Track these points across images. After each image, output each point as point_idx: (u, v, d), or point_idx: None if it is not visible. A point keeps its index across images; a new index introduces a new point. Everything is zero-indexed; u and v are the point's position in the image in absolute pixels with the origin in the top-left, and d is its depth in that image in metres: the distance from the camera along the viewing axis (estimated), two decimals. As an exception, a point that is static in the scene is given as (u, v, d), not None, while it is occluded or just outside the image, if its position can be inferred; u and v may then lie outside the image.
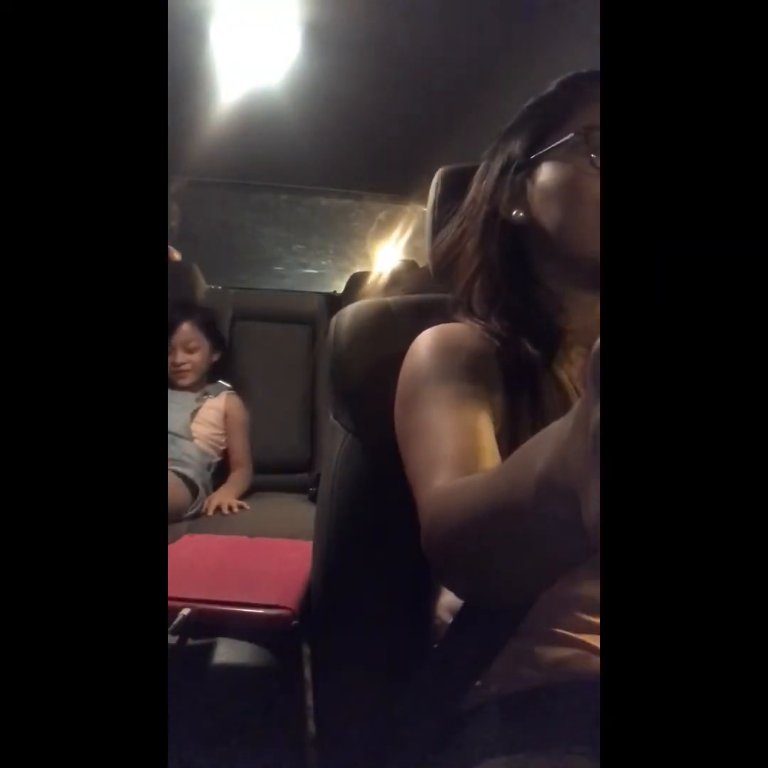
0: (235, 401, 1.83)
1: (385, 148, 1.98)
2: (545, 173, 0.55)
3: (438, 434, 0.48)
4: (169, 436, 1.66)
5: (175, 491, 1.53)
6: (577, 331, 0.56)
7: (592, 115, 0.53)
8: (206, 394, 1.82)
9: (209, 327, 1.85)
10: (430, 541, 0.43)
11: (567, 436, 0.28)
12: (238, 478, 1.73)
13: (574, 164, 0.53)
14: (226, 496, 1.61)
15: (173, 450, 1.64)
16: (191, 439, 1.70)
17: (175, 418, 1.70)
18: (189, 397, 1.78)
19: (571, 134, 0.53)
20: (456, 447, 0.47)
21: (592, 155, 0.51)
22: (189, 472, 1.62)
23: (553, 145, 0.54)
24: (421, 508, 0.45)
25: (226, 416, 1.80)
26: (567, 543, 0.30)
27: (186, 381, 1.79)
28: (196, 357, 1.80)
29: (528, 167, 0.57)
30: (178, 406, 1.74)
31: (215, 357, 1.86)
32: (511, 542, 0.36)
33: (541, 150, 0.55)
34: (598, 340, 0.24)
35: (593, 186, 0.51)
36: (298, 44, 1.48)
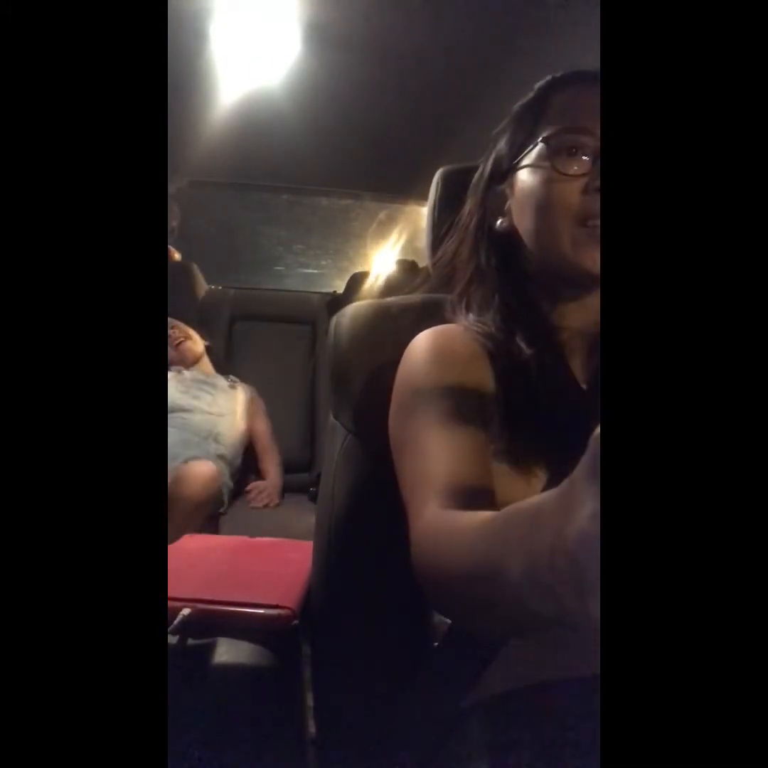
0: (254, 390, 1.91)
1: (385, 148, 1.97)
2: (519, 183, 0.56)
3: (430, 451, 0.49)
4: (213, 418, 1.71)
5: (214, 481, 1.53)
6: (574, 327, 0.56)
7: (558, 119, 0.53)
8: (234, 380, 1.88)
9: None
10: (419, 572, 0.44)
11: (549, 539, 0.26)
12: (279, 470, 1.82)
13: (541, 172, 0.53)
14: (274, 492, 1.70)
15: (222, 430, 1.70)
16: (236, 421, 1.77)
17: (220, 401, 1.77)
18: (220, 380, 1.84)
19: (535, 143, 0.54)
20: (447, 470, 0.47)
21: (555, 162, 0.52)
22: (225, 458, 1.67)
23: (522, 155, 0.55)
24: (413, 535, 0.46)
25: (251, 401, 1.88)
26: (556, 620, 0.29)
27: (189, 350, 1.85)
28: (177, 332, 1.87)
29: (507, 176, 0.58)
30: (214, 387, 1.80)
31: (206, 342, 1.93)
32: (498, 604, 0.35)
33: (516, 159, 0.56)
34: (598, 429, 0.23)
35: (560, 192, 0.52)
36: (298, 44, 1.47)
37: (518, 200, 0.56)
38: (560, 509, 0.26)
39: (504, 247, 0.59)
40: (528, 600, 0.29)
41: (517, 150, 0.56)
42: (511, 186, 0.57)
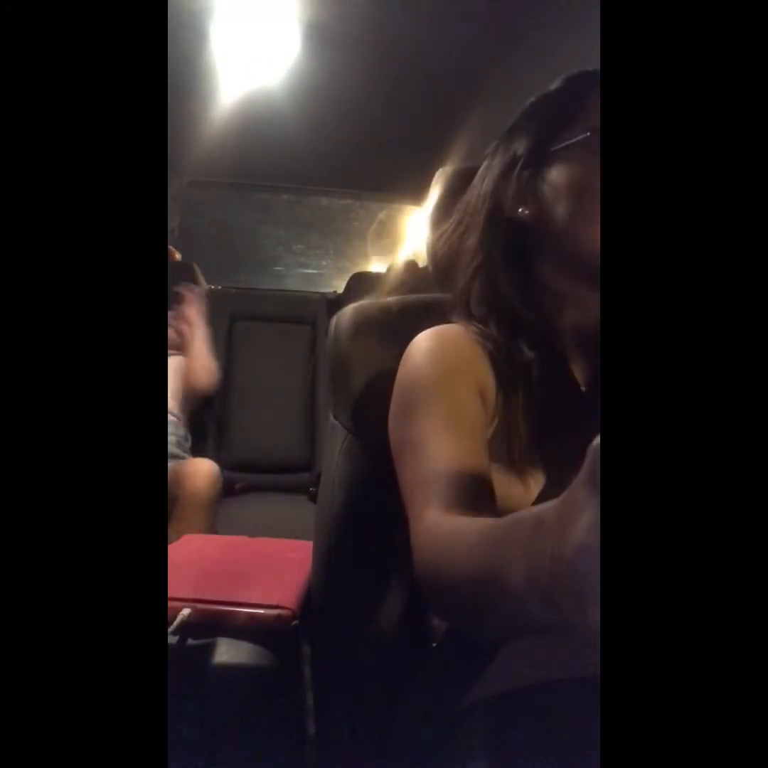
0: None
1: (385, 148, 1.97)
2: (559, 171, 0.54)
3: (431, 454, 0.48)
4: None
5: (217, 478, 1.49)
6: (576, 330, 0.56)
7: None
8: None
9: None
10: (420, 576, 0.44)
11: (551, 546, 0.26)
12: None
13: (589, 163, 0.52)
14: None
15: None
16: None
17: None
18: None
19: (588, 133, 0.52)
20: (447, 473, 0.47)
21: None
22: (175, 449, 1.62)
23: (567, 143, 0.54)
24: (414, 539, 0.46)
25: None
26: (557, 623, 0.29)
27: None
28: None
29: (538, 164, 0.56)
30: None
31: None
32: (498, 608, 0.36)
33: (555, 146, 0.55)
34: (598, 439, 0.23)
35: None
36: (298, 44, 1.47)
37: (556, 189, 0.54)
38: (560, 518, 0.26)
39: (519, 236, 0.57)
40: (529, 605, 0.29)
41: (552, 139, 0.55)
42: (542, 174, 0.55)
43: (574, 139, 0.53)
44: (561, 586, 0.25)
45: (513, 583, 0.30)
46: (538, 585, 0.28)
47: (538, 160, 0.56)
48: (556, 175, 0.54)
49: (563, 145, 0.54)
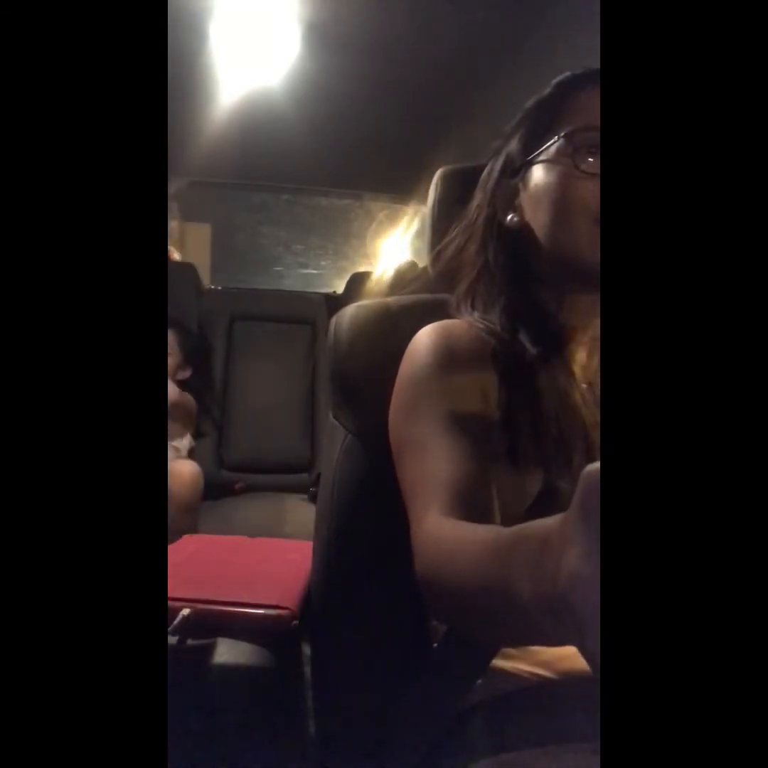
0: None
1: (385, 148, 1.98)
2: (534, 178, 0.55)
3: (433, 454, 0.48)
4: None
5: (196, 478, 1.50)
6: (581, 327, 0.56)
7: (578, 116, 0.52)
8: None
9: (187, 338, 1.83)
10: (422, 581, 0.44)
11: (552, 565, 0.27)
12: None
13: (560, 168, 0.52)
14: None
15: None
16: None
17: None
18: None
19: (555, 138, 0.53)
20: (448, 475, 0.47)
21: (576, 159, 0.51)
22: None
23: (540, 150, 0.54)
24: (415, 543, 0.46)
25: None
26: (555, 632, 0.29)
27: None
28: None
29: (520, 171, 0.57)
30: None
31: (185, 373, 1.82)
32: (502, 620, 0.36)
33: (530, 155, 0.55)
34: (597, 465, 0.23)
35: (579, 190, 0.51)
36: (298, 44, 1.48)
37: (532, 195, 0.55)
38: (559, 542, 0.26)
39: (513, 243, 0.58)
40: (534, 619, 0.30)
41: (533, 145, 0.55)
42: (525, 181, 0.56)
43: (545, 146, 0.54)
44: (564, 604, 0.26)
45: (518, 597, 0.30)
46: (543, 601, 0.28)
47: (521, 167, 0.57)
48: (533, 182, 0.55)
49: (537, 152, 0.55)
